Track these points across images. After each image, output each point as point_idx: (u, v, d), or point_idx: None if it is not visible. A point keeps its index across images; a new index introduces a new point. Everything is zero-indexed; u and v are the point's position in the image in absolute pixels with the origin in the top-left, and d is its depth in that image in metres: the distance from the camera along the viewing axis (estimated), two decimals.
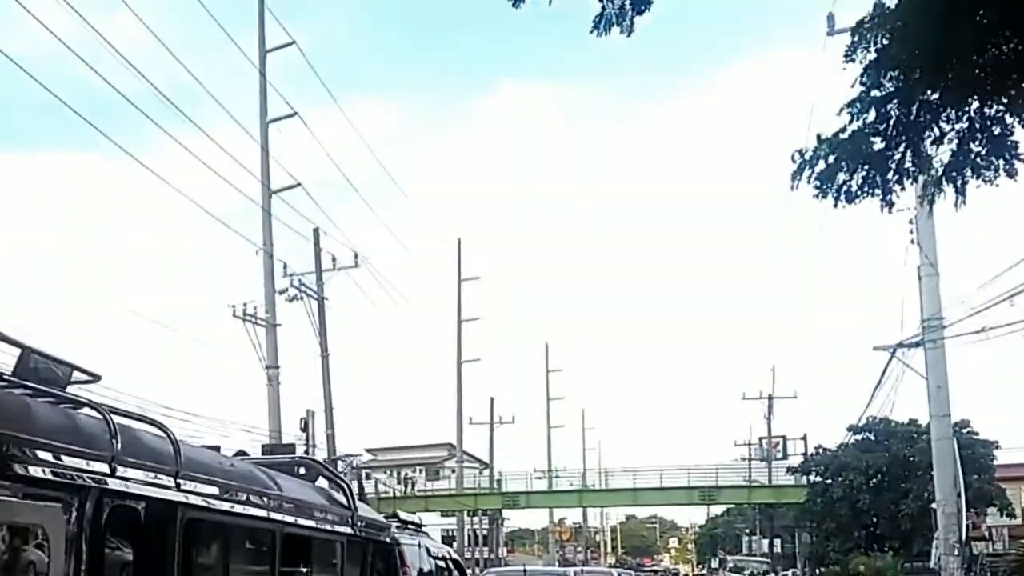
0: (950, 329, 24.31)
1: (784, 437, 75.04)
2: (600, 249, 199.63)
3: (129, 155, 38.28)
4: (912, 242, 27.20)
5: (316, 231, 47.80)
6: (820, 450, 54.44)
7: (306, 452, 48.45)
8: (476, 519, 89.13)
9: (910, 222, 27.32)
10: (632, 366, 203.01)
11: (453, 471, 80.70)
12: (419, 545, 13.52)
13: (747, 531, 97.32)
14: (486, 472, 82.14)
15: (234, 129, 43.46)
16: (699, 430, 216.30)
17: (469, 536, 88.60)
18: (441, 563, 13.97)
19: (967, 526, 28.05)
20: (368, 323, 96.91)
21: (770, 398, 75.83)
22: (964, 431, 49.31)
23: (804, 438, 71.04)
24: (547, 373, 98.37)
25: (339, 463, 49.59)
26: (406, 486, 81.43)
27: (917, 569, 43.35)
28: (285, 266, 47.19)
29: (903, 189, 9.88)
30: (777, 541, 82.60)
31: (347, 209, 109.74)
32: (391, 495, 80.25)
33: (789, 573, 79.74)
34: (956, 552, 27.25)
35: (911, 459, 48.88)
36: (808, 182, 9.99)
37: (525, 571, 22.53)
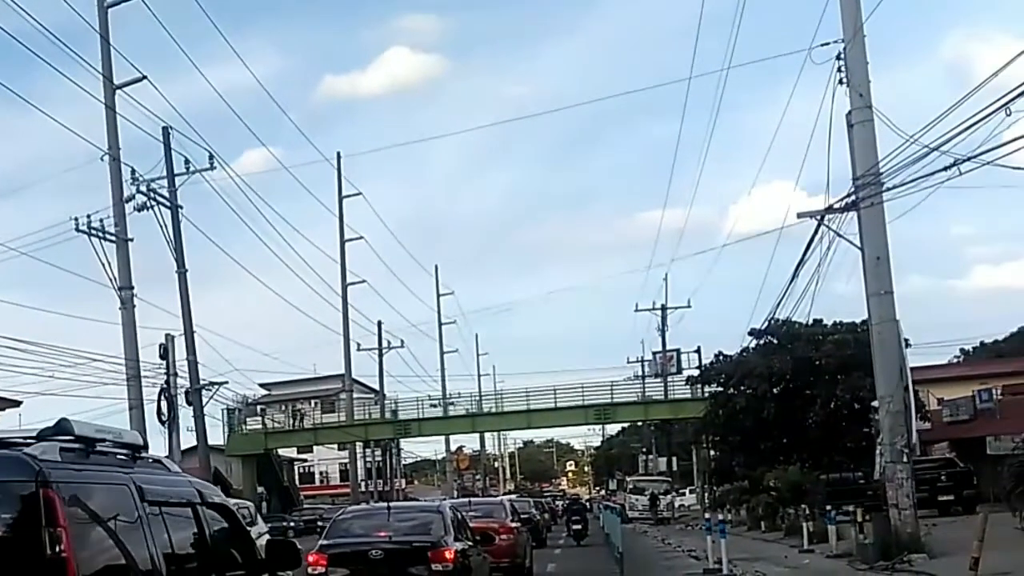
0: (901, 176, 18.34)
1: (678, 350, 69.80)
2: (486, 168, 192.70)
3: None
4: (841, 82, 21.25)
5: (166, 130, 40.87)
6: (721, 357, 48.75)
7: (166, 382, 41.81)
8: (375, 452, 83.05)
9: (838, 57, 21.38)
10: (522, 288, 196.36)
11: (353, 406, 74.20)
12: (132, 484, 6.80)
13: (643, 450, 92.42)
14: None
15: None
16: (594, 351, 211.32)
17: (368, 469, 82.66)
18: (180, 511, 7.25)
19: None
20: (253, 250, 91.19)
21: (663, 308, 70.53)
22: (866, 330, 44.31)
23: (698, 351, 66.04)
24: (438, 297, 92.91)
25: (203, 392, 42.97)
26: (294, 419, 74.69)
27: (838, 482, 38.02)
28: (133, 171, 40.41)
29: None
30: (674, 459, 77.78)
31: (228, 141, 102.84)
32: (282, 430, 74.05)
33: (686, 492, 74.98)
34: (905, 459, 21.59)
35: (817, 363, 43.76)
36: None
37: (389, 507, 16.29)
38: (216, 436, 71.24)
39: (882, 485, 23.06)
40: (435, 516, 16.53)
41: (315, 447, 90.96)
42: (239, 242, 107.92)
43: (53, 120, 37.69)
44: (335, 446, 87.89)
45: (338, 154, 70.89)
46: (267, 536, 18.87)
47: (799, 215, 22.58)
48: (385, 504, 18.23)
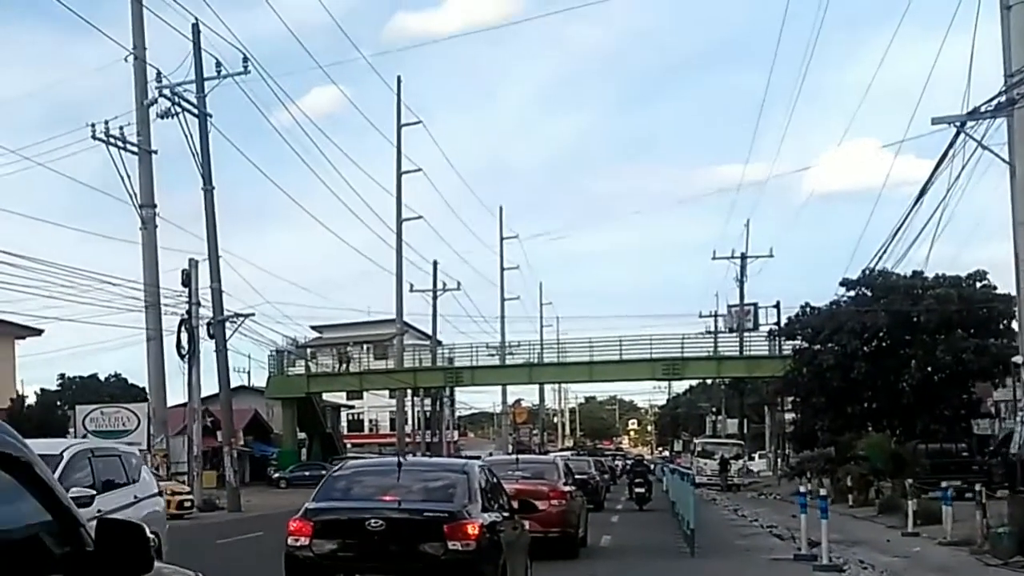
0: None
1: (755, 305, 65.38)
2: (558, 112, 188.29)
3: None
4: None
5: (195, 26, 37.51)
6: (808, 310, 44.61)
7: (188, 312, 38.62)
8: (426, 401, 79.82)
9: None
10: (590, 236, 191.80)
11: (403, 350, 70.83)
12: None
13: (713, 410, 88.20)
14: (438, 350, 72.09)
15: None
16: (664, 306, 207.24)
17: (419, 419, 79.58)
18: None
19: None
20: (309, 185, 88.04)
21: (743, 257, 65.72)
22: (979, 284, 40.43)
23: (777, 306, 61.82)
24: (501, 239, 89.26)
25: (227, 324, 39.71)
26: (340, 363, 71.63)
27: (938, 453, 34.07)
28: (159, 74, 37.21)
29: None
30: (745, 421, 73.61)
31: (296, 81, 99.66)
32: (326, 373, 71.04)
33: (755, 457, 70.89)
34: None
35: (915, 320, 39.84)
36: None
37: (400, 463, 13.36)
38: (264, 379, 68.74)
39: (1016, 462, 19.13)
40: (460, 477, 12.84)
41: (365, 394, 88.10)
42: (297, 177, 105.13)
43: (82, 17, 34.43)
44: (386, 394, 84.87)
45: (398, 78, 67.42)
46: (159, 502, 15.22)
47: (934, 120, 18.36)
48: (396, 459, 14.59)
